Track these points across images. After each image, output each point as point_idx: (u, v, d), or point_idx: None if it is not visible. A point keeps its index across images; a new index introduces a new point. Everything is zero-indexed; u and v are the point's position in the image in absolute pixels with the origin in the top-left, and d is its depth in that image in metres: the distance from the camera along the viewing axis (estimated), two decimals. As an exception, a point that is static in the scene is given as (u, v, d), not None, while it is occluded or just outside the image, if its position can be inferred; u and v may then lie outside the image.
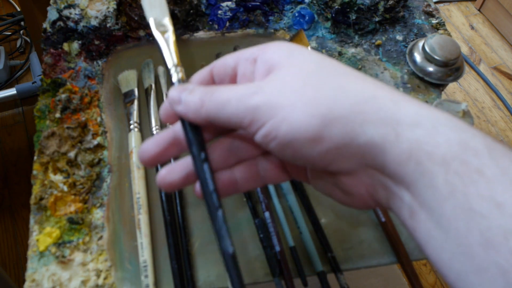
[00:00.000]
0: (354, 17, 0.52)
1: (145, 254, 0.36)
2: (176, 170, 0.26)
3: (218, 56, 0.49)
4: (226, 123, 0.24)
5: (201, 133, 0.25)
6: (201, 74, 0.27)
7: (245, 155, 0.27)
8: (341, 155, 0.22)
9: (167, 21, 0.29)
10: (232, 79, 0.26)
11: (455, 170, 0.19)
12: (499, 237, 0.17)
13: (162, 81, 0.47)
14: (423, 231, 0.21)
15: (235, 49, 0.50)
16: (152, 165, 0.27)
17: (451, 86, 1.46)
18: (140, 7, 0.50)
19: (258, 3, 0.53)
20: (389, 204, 0.23)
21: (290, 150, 0.22)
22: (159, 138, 0.26)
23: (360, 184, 0.24)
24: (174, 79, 0.26)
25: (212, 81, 0.27)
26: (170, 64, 0.27)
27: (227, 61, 0.26)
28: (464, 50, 1.55)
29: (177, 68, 0.26)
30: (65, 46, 0.48)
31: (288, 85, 0.23)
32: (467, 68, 1.51)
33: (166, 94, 0.46)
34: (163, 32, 0.28)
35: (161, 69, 0.47)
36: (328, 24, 0.53)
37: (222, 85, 0.25)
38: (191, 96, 0.24)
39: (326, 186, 0.26)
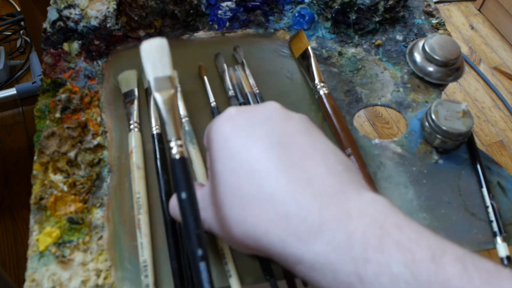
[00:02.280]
0: (354, 17, 0.52)
1: (145, 254, 0.36)
2: None
3: (217, 56, 0.49)
4: None
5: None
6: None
7: None
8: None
9: (170, 80, 0.26)
10: None
11: None
12: None
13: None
14: None
15: (235, 49, 0.50)
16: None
17: (451, 86, 1.46)
18: (140, 7, 0.50)
19: (258, 3, 0.53)
20: None
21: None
22: None
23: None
24: (174, 151, 0.25)
25: None
26: (171, 135, 0.25)
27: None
28: (464, 50, 1.55)
29: (177, 142, 0.25)
30: (65, 46, 0.48)
31: (214, 215, 0.25)
32: (467, 68, 1.51)
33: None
34: (166, 94, 0.26)
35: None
36: (328, 24, 0.53)
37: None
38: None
39: None
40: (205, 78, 0.47)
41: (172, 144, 0.25)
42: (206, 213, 0.25)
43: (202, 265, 0.22)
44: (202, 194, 0.26)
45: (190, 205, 0.23)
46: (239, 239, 0.23)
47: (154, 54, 0.27)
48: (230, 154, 0.24)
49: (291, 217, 0.21)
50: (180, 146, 0.25)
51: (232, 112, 0.26)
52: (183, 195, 0.23)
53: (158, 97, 0.26)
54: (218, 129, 0.25)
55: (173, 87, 0.26)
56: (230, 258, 0.36)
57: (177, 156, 0.24)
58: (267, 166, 0.23)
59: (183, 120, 0.27)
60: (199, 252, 0.22)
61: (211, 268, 0.37)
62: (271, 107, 0.26)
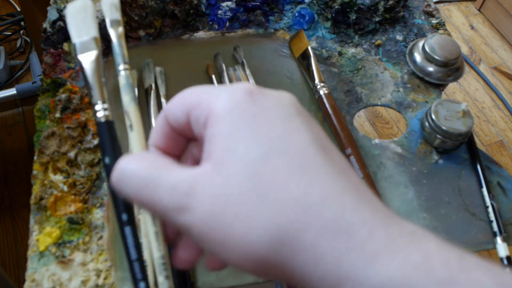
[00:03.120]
0: (354, 17, 0.52)
1: (145, 254, 0.36)
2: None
3: (216, 56, 0.49)
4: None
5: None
6: (158, 130, 0.23)
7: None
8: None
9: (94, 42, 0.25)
10: (188, 129, 0.21)
11: None
12: None
13: (159, 81, 0.47)
14: None
15: (235, 49, 0.50)
16: None
17: (451, 86, 1.46)
18: (140, 7, 0.50)
19: (258, 3, 0.53)
20: None
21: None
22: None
23: None
24: (100, 114, 0.24)
25: (172, 132, 0.22)
26: (96, 98, 0.24)
27: (178, 112, 0.21)
28: (464, 50, 1.55)
29: (103, 105, 0.24)
30: (65, 46, 0.48)
31: (214, 209, 0.18)
32: (467, 68, 1.51)
33: (164, 95, 0.46)
34: (90, 56, 0.25)
35: (158, 69, 0.47)
36: (328, 24, 0.53)
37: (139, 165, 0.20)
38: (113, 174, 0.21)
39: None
40: (213, 76, 0.48)
41: (98, 107, 0.24)
42: (198, 204, 0.18)
43: (128, 230, 0.22)
44: (194, 179, 0.19)
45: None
46: (254, 247, 0.18)
47: (77, 16, 0.25)
48: (265, 135, 0.19)
49: (354, 231, 0.17)
50: (105, 109, 0.24)
51: (252, 89, 0.20)
52: (107, 160, 0.23)
53: (82, 59, 0.25)
54: (239, 104, 0.19)
55: (97, 48, 0.25)
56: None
57: (103, 120, 0.24)
58: (318, 162, 0.18)
59: (123, 71, 0.26)
60: (124, 216, 0.22)
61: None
62: (294, 100, 0.21)
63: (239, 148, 0.18)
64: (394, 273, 0.17)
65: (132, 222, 0.22)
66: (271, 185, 0.18)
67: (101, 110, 0.24)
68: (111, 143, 0.23)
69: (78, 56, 0.25)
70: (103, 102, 0.24)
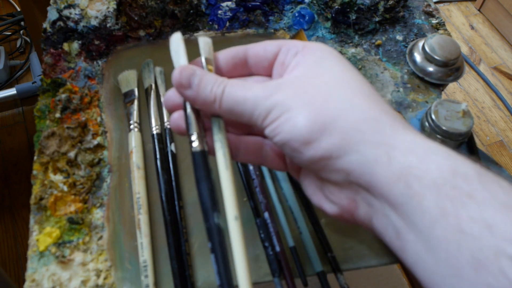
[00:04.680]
0: (354, 17, 0.52)
1: (145, 254, 0.36)
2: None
3: None
4: (236, 118, 0.25)
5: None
6: (232, 52, 0.29)
7: (256, 131, 0.29)
8: (329, 166, 0.23)
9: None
10: (270, 63, 0.28)
11: (446, 193, 0.19)
12: (490, 257, 0.18)
13: (159, 81, 0.47)
14: (412, 253, 0.21)
15: (235, 49, 0.50)
16: (173, 111, 0.29)
17: (451, 86, 1.46)
18: (140, 7, 0.50)
19: (258, 3, 0.53)
20: (371, 221, 0.24)
21: (288, 148, 0.24)
22: None
23: (343, 195, 0.24)
24: (195, 144, 0.26)
25: (244, 61, 0.28)
26: (192, 129, 0.27)
27: (269, 46, 0.28)
28: (464, 50, 1.56)
29: (198, 135, 0.27)
30: (65, 46, 0.48)
31: (302, 90, 0.24)
32: (467, 68, 1.51)
33: (164, 95, 0.46)
34: None
35: (158, 69, 0.47)
36: (328, 24, 0.53)
37: (234, 80, 0.26)
38: (202, 86, 0.26)
39: (311, 187, 0.27)
40: None
41: (194, 137, 0.26)
42: (287, 98, 0.24)
43: (212, 257, 0.24)
44: (282, 81, 0.25)
45: (210, 194, 0.25)
46: (338, 125, 0.23)
47: (177, 48, 0.29)
48: (338, 62, 0.26)
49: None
50: (201, 140, 0.26)
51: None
52: (203, 187, 0.25)
53: None
54: (322, 47, 0.27)
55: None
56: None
57: (198, 149, 0.26)
58: (360, 83, 0.26)
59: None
60: (208, 245, 0.24)
61: (211, 268, 0.37)
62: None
63: (318, 70, 0.25)
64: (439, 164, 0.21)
65: (215, 250, 0.24)
66: (337, 94, 0.24)
67: (196, 141, 0.26)
68: (206, 171, 0.25)
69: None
70: (199, 133, 0.26)
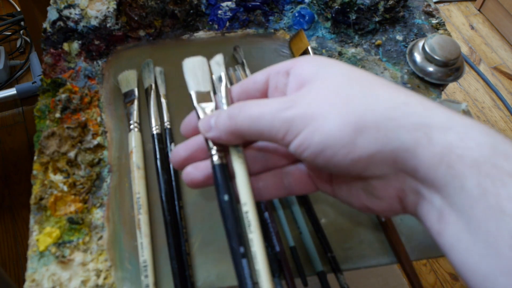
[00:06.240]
0: (354, 17, 0.52)
1: (145, 254, 0.36)
2: (200, 167, 0.28)
3: (235, 49, 0.50)
4: (258, 137, 0.25)
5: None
6: (234, 91, 0.29)
7: (271, 164, 0.28)
8: (374, 161, 0.22)
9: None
10: (263, 94, 0.28)
11: (486, 172, 0.19)
12: None
13: (159, 81, 0.47)
14: (451, 234, 0.21)
15: (235, 49, 0.50)
16: (181, 168, 0.29)
17: (451, 86, 1.46)
18: (140, 7, 0.50)
19: (258, 3, 0.53)
20: (416, 209, 0.23)
21: (322, 158, 0.23)
22: (189, 143, 0.28)
23: (390, 188, 0.24)
24: (215, 158, 0.27)
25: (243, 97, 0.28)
26: (212, 144, 0.27)
27: (257, 77, 0.28)
28: (464, 50, 1.56)
29: (218, 149, 0.27)
30: (65, 46, 0.48)
31: (321, 97, 0.23)
32: (467, 68, 1.51)
33: (164, 95, 0.46)
34: (208, 106, 0.29)
35: (158, 69, 0.47)
36: (328, 24, 0.53)
37: (250, 100, 0.26)
38: (220, 117, 0.26)
39: (351, 192, 0.26)
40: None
41: (213, 151, 0.27)
42: (308, 108, 0.23)
43: (244, 262, 0.24)
44: (298, 95, 0.25)
45: (231, 207, 0.26)
46: (366, 117, 0.23)
47: (196, 70, 0.30)
48: (338, 64, 0.26)
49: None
50: (220, 152, 0.27)
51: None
52: (226, 197, 0.26)
53: (199, 108, 0.28)
54: (311, 58, 0.27)
55: (213, 100, 0.29)
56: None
57: (218, 162, 0.27)
58: (373, 77, 0.25)
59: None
60: (241, 249, 0.24)
61: (211, 268, 0.37)
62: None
63: (325, 75, 0.25)
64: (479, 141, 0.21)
65: (248, 255, 0.25)
66: (356, 92, 0.23)
67: (216, 155, 0.27)
68: (226, 182, 0.26)
69: (195, 104, 0.29)
70: (217, 148, 0.27)
